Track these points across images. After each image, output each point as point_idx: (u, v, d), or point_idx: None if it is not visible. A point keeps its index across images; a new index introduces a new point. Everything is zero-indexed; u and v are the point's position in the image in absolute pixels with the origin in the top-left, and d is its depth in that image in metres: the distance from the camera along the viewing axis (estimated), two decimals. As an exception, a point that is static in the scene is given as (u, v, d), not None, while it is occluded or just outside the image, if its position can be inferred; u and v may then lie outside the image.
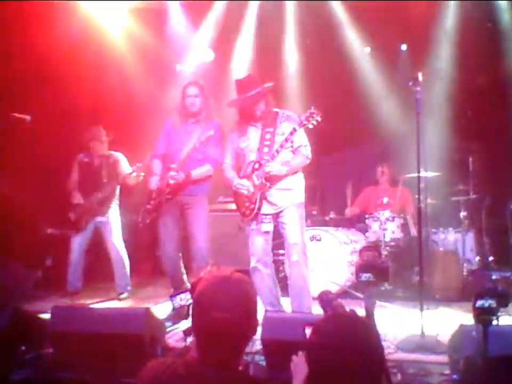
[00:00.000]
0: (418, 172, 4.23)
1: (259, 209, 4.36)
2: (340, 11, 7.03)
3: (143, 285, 6.47)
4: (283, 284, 4.96)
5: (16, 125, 4.64)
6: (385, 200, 6.16)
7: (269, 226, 4.41)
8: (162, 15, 7.23)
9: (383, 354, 1.82)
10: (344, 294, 5.47)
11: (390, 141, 6.94)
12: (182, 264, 4.98)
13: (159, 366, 1.85)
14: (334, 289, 5.20)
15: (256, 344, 3.62)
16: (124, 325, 3.38)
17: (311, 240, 5.72)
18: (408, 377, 3.29)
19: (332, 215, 6.56)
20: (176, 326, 4.42)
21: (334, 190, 7.73)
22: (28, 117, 4.69)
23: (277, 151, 4.29)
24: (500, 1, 6.63)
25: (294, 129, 4.22)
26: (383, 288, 5.54)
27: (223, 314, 1.76)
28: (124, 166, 5.74)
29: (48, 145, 6.30)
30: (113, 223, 5.76)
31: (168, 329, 4.18)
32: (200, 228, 4.83)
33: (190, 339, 2.94)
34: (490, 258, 6.11)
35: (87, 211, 5.66)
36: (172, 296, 3.84)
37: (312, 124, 4.15)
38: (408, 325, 4.39)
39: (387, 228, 5.92)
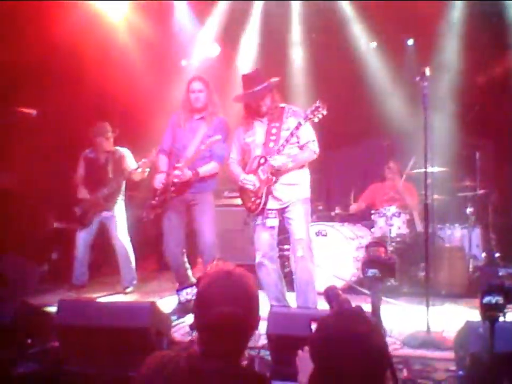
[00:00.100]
0: (425, 168, 4.21)
1: (265, 204, 4.36)
2: (346, 6, 7.00)
3: (148, 279, 6.49)
4: (288, 279, 4.96)
5: (23, 120, 4.66)
6: (392, 196, 6.14)
7: (274, 222, 4.40)
8: (167, 10, 7.21)
9: (388, 351, 1.81)
10: (349, 289, 5.47)
11: (397, 136, 6.91)
12: (185, 260, 4.97)
13: (161, 359, 1.85)
14: (339, 284, 5.19)
15: (262, 339, 3.63)
16: (130, 319, 3.39)
17: (317, 236, 5.71)
18: (413, 373, 3.29)
19: (338, 210, 6.54)
20: (182, 320, 4.43)
21: (340, 185, 7.72)
22: (34, 112, 4.70)
23: (283, 146, 4.27)
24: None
25: (300, 123, 4.20)
26: (389, 284, 5.53)
27: (226, 308, 1.77)
28: (130, 161, 5.75)
29: (54, 140, 6.33)
30: (119, 218, 5.77)
31: (173, 323, 4.19)
32: (207, 223, 4.82)
33: (195, 333, 2.94)
34: (497, 254, 6.09)
35: (93, 206, 5.68)
36: (178, 290, 3.84)
37: (318, 117, 4.13)
38: (414, 321, 4.38)
39: (393, 223, 5.90)
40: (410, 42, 7.36)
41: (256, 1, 7.16)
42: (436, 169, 5.42)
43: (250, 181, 4.40)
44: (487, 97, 6.69)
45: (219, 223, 5.01)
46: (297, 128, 4.23)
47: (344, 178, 7.64)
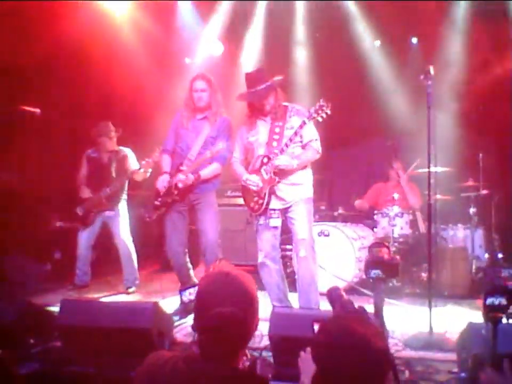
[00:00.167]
0: (429, 167, 4.20)
1: (267, 204, 4.35)
2: (350, 4, 6.99)
3: (151, 279, 6.49)
4: (291, 279, 4.97)
5: (27, 118, 4.66)
6: (395, 196, 6.13)
7: (277, 221, 4.39)
8: (171, 9, 7.21)
9: (390, 353, 1.81)
10: (351, 290, 5.46)
11: (400, 135, 6.89)
12: (188, 260, 4.97)
13: (159, 360, 1.85)
14: (341, 285, 5.18)
15: (264, 339, 3.62)
16: (132, 319, 3.39)
17: (319, 236, 5.70)
18: (416, 375, 3.28)
19: (340, 210, 6.53)
20: (184, 320, 4.43)
21: (343, 185, 7.71)
22: (38, 111, 4.70)
23: (286, 145, 4.26)
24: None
25: (304, 122, 4.19)
26: (391, 284, 5.53)
27: (224, 309, 1.78)
28: (132, 162, 5.74)
29: (58, 139, 6.33)
30: (122, 218, 5.77)
31: (176, 324, 4.19)
32: (209, 222, 4.82)
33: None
34: (500, 255, 6.06)
35: (95, 206, 5.67)
36: (181, 291, 3.82)
37: (322, 116, 4.12)
38: (416, 322, 4.37)
39: (396, 224, 5.89)
40: (414, 40, 7.34)
41: (260, 0, 7.15)
42: (439, 169, 5.41)
43: (253, 181, 4.39)
44: (490, 97, 6.67)
45: (221, 223, 5.00)
46: (301, 127, 4.21)
47: (347, 178, 7.62)
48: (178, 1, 7.20)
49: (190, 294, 3.33)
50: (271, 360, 3.37)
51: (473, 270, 5.72)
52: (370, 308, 2.88)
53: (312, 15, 7.16)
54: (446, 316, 4.62)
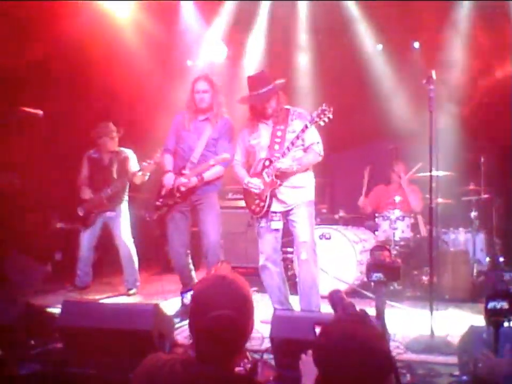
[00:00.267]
0: (431, 171, 4.20)
1: (269, 207, 4.35)
2: (352, 8, 6.99)
3: (152, 280, 6.49)
4: (292, 281, 4.96)
5: (29, 120, 4.66)
6: (397, 199, 6.13)
7: (278, 224, 4.39)
8: (174, 10, 7.22)
9: (392, 356, 1.80)
10: (352, 293, 5.46)
11: (402, 139, 6.89)
12: (190, 261, 4.96)
13: (156, 362, 1.85)
14: (342, 287, 5.18)
15: (265, 342, 3.62)
16: (133, 320, 3.38)
17: (321, 239, 5.70)
18: (417, 378, 3.28)
19: (342, 213, 6.53)
20: (185, 322, 4.41)
21: (344, 188, 7.71)
22: (40, 112, 4.70)
23: (288, 149, 4.26)
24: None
25: (306, 126, 4.19)
26: (392, 288, 5.53)
27: (220, 312, 1.78)
28: (133, 163, 5.74)
29: (60, 141, 6.34)
30: (123, 219, 5.77)
31: (176, 326, 4.18)
32: (211, 223, 4.81)
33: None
34: (501, 259, 6.06)
35: (96, 206, 5.67)
36: (182, 292, 3.84)
37: (324, 121, 4.12)
38: (418, 325, 4.37)
39: (397, 227, 5.89)
40: (416, 45, 7.35)
41: (262, 2, 7.16)
42: (441, 173, 5.41)
43: (255, 184, 4.39)
44: (492, 100, 6.68)
45: (222, 225, 5.00)
46: (303, 131, 4.21)
47: (348, 182, 7.62)
48: (181, 3, 7.20)
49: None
50: (272, 362, 3.37)
51: (475, 274, 5.72)
52: (371, 311, 2.88)
53: (314, 19, 7.16)
54: (447, 319, 4.61)
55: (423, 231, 6.10)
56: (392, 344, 3.75)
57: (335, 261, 5.65)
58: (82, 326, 3.44)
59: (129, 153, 5.83)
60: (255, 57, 7.54)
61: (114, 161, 5.76)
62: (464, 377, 3.11)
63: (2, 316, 3.61)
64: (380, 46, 7.38)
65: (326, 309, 3.74)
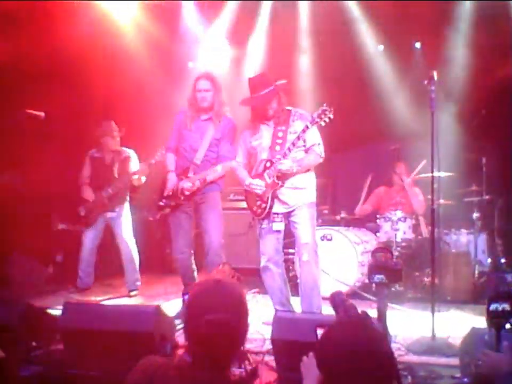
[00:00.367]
0: (432, 172, 4.20)
1: (270, 208, 4.35)
2: (353, 9, 6.99)
3: (153, 282, 6.49)
4: (293, 283, 4.96)
5: (31, 121, 4.66)
6: (399, 199, 6.13)
7: (280, 225, 4.39)
8: (175, 11, 7.22)
9: (395, 358, 1.80)
10: (353, 294, 5.45)
11: (404, 140, 6.89)
12: (193, 261, 4.95)
13: (149, 366, 1.85)
14: (343, 289, 5.17)
15: (267, 343, 3.62)
16: (134, 322, 3.38)
17: (322, 240, 5.70)
18: (418, 380, 3.27)
19: (343, 214, 6.53)
20: (186, 323, 4.41)
21: (345, 189, 7.70)
22: (42, 114, 4.70)
23: (289, 149, 4.26)
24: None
25: (307, 127, 4.19)
26: (394, 289, 5.52)
27: (214, 316, 1.79)
28: (133, 164, 5.75)
29: (62, 141, 6.33)
30: (124, 219, 5.77)
31: (178, 327, 4.18)
32: (213, 223, 4.78)
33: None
34: (503, 260, 6.05)
35: (98, 206, 5.67)
36: (184, 294, 3.82)
37: (325, 121, 4.11)
38: (419, 327, 4.36)
39: (398, 228, 5.88)
40: (417, 45, 7.34)
41: (264, 2, 7.16)
42: (442, 174, 5.40)
43: (257, 185, 4.38)
44: (494, 100, 6.66)
45: (224, 226, 4.99)
46: (304, 131, 4.21)
47: (349, 182, 7.61)
48: (182, 3, 7.19)
49: (193, 297, 3.32)
50: (273, 364, 3.37)
51: (476, 275, 5.70)
52: (373, 313, 2.88)
53: (316, 20, 7.16)
54: (449, 321, 4.61)
55: (425, 232, 6.08)
56: (394, 346, 3.75)
57: (336, 262, 5.65)
58: (84, 327, 3.44)
59: (131, 153, 5.84)
60: (256, 58, 7.54)
61: (116, 161, 5.77)
62: (466, 379, 3.11)
63: (3, 317, 3.61)
64: (381, 47, 7.37)
65: (327, 310, 3.74)
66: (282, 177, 4.31)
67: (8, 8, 5.40)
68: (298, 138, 4.25)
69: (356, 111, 6.97)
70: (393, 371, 1.76)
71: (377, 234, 6.16)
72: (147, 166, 5.36)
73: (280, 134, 4.41)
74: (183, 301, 4.47)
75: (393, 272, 3.23)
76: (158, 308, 3.55)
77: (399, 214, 5.95)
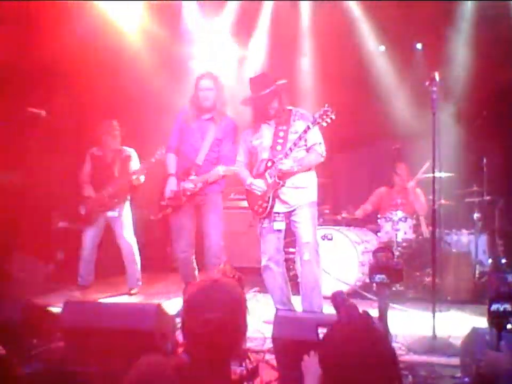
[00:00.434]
0: (433, 173, 4.20)
1: (272, 207, 4.35)
2: (355, 9, 6.99)
3: (154, 280, 6.48)
4: (293, 282, 4.96)
5: (32, 120, 4.67)
6: (399, 201, 6.13)
7: (281, 225, 4.39)
8: (177, 10, 7.22)
9: (397, 359, 1.80)
10: (354, 294, 5.45)
11: (405, 140, 6.88)
12: (194, 260, 4.96)
13: (147, 366, 1.84)
14: (344, 289, 5.18)
15: (267, 342, 3.62)
16: (135, 320, 3.38)
17: (323, 239, 5.69)
18: (419, 380, 3.28)
19: (344, 214, 6.53)
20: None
21: (347, 189, 7.70)
22: (43, 112, 4.71)
23: (290, 149, 4.27)
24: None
25: (308, 127, 4.20)
26: (394, 289, 5.52)
27: (211, 315, 1.79)
28: (133, 164, 5.74)
29: (63, 140, 6.34)
30: (125, 218, 5.77)
31: (179, 326, 4.18)
32: (214, 223, 4.80)
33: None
34: (503, 260, 6.05)
35: (98, 205, 5.66)
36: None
37: (326, 121, 4.12)
38: (420, 327, 4.36)
39: (399, 228, 5.89)
40: (419, 46, 7.34)
41: (265, 4, 7.16)
42: (443, 174, 5.40)
43: (258, 185, 4.39)
44: (495, 101, 6.66)
45: (224, 225, 5.00)
46: (305, 131, 4.22)
47: (351, 182, 7.62)
48: (183, 3, 7.19)
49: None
50: (274, 363, 3.37)
51: (477, 275, 5.70)
52: (374, 312, 2.88)
53: (317, 20, 7.16)
54: (449, 321, 4.61)
55: (426, 232, 6.08)
56: (394, 346, 3.75)
57: (337, 261, 5.65)
58: (84, 325, 3.44)
59: (131, 152, 5.84)
60: (257, 58, 7.53)
61: (117, 160, 5.76)
62: (466, 379, 3.11)
63: (4, 315, 3.61)
64: (383, 47, 7.37)
65: (328, 309, 3.74)
66: (284, 176, 4.31)
67: (14, 9, 5.40)
68: (299, 138, 4.26)
69: (357, 111, 6.97)
70: (396, 370, 1.76)
71: (378, 234, 6.16)
72: (147, 165, 5.36)
73: (281, 134, 4.42)
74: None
75: (395, 272, 3.23)
76: (159, 306, 3.55)
77: (399, 214, 5.96)
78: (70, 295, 5.38)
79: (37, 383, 3.30)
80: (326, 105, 4.13)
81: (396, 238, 5.84)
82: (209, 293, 1.85)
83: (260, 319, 4.46)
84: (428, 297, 4.67)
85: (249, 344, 3.67)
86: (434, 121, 4.10)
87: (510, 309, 2.60)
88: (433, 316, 4.00)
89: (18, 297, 4.14)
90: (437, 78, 4.07)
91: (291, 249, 5.81)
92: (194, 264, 4.94)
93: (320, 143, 4.41)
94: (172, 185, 4.80)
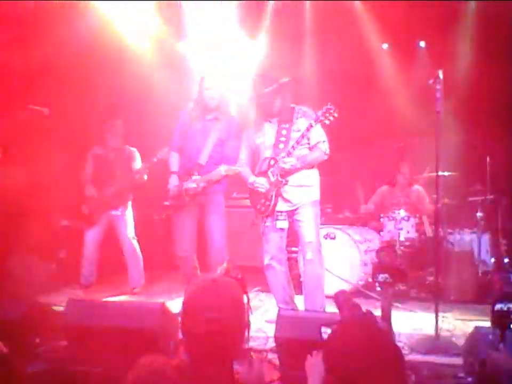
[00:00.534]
0: (437, 172, 4.19)
1: (274, 206, 4.34)
2: (358, 7, 6.98)
3: (156, 279, 6.48)
4: (296, 281, 4.95)
5: (34, 117, 4.66)
6: (403, 200, 6.12)
7: (284, 224, 4.38)
8: (179, 10, 7.20)
9: (402, 357, 1.79)
10: (357, 293, 5.44)
11: (408, 138, 6.87)
12: (195, 260, 4.96)
13: (148, 366, 1.84)
14: (347, 287, 5.17)
15: (270, 341, 3.62)
16: (139, 319, 3.39)
17: (325, 238, 5.69)
18: (422, 379, 3.27)
19: (347, 213, 6.52)
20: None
21: (349, 188, 7.69)
22: (46, 110, 4.70)
23: (293, 147, 4.26)
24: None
25: (311, 125, 4.19)
26: (397, 288, 5.51)
27: (211, 314, 1.79)
28: (135, 163, 5.74)
29: (65, 138, 6.33)
30: (127, 217, 5.76)
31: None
32: (216, 223, 4.80)
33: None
34: (506, 260, 6.04)
35: (101, 204, 5.66)
36: (187, 292, 3.77)
37: (329, 119, 4.11)
38: (422, 326, 4.35)
39: (402, 227, 5.87)
40: (422, 44, 7.33)
41: (268, 2, 7.15)
42: (446, 173, 5.39)
43: (260, 184, 4.38)
44: (499, 100, 6.64)
45: (227, 224, 4.99)
46: (308, 129, 4.21)
47: (353, 181, 7.60)
48: (184, 1, 7.18)
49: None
50: (277, 362, 3.37)
51: (480, 275, 5.69)
52: (377, 312, 2.88)
53: (320, 18, 7.14)
54: (452, 320, 4.60)
55: (428, 231, 6.07)
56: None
57: (339, 260, 5.64)
58: (87, 324, 3.45)
59: (134, 151, 5.83)
60: (260, 56, 7.52)
61: (119, 159, 5.76)
62: (469, 379, 3.11)
63: (7, 314, 3.62)
64: (386, 45, 7.35)
65: (331, 309, 3.74)
66: (286, 175, 4.30)
67: (15, 8, 5.40)
68: (302, 136, 4.24)
69: (360, 109, 6.96)
70: (401, 369, 1.75)
71: (381, 233, 6.15)
72: (149, 164, 5.36)
73: (283, 132, 4.41)
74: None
75: (398, 271, 3.24)
76: (162, 305, 3.56)
77: (402, 213, 5.94)
78: (72, 294, 5.37)
79: (40, 382, 3.31)
80: (329, 103, 4.11)
81: (399, 237, 5.82)
82: (207, 293, 1.85)
83: (262, 318, 4.46)
84: (430, 297, 4.67)
85: (251, 344, 3.66)
86: (438, 120, 4.08)
87: (514, 309, 2.60)
88: (436, 315, 3.99)
89: (20, 296, 4.15)
90: (441, 76, 4.05)
91: (294, 248, 5.80)
92: (196, 263, 4.94)
93: (324, 141, 4.40)
94: (173, 184, 4.80)
